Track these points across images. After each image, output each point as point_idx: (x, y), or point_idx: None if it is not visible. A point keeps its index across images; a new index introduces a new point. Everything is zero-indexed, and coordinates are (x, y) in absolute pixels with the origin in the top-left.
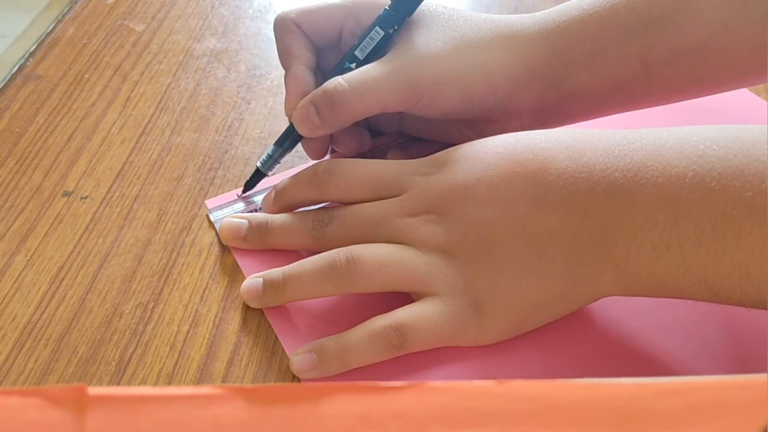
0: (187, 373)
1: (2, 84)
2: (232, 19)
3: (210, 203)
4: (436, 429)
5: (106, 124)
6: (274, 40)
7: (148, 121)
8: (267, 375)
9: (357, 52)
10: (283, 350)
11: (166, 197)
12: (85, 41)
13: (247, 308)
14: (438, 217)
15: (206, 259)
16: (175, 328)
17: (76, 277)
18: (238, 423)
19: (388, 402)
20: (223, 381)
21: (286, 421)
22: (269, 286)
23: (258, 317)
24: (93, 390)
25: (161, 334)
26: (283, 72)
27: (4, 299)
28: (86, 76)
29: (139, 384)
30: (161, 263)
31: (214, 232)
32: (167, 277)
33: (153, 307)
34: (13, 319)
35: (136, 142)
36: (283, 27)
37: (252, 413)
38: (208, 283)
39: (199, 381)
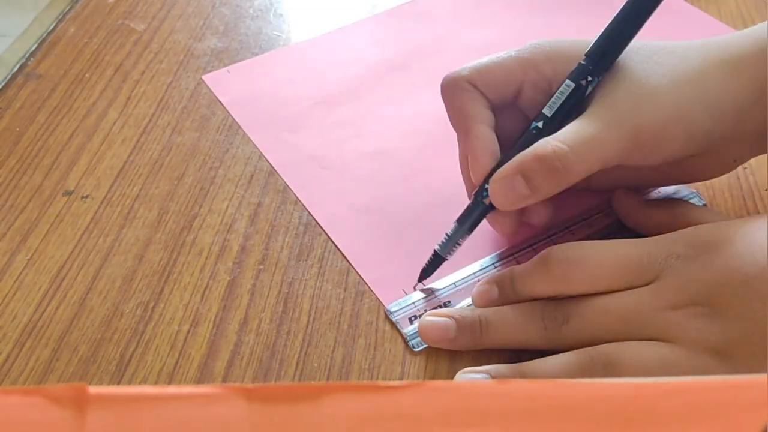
0: (187, 373)
1: (3, 83)
2: (232, 18)
3: (385, 300)
4: (436, 429)
5: (106, 124)
6: (274, 39)
7: (149, 121)
8: (267, 374)
9: (545, 110)
10: (284, 350)
11: (166, 196)
12: (85, 41)
13: (247, 308)
14: (710, 311)
15: (207, 258)
16: (176, 328)
17: (77, 276)
18: (239, 422)
19: (388, 402)
20: (224, 380)
21: (287, 421)
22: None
23: (258, 317)
24: (93, 389)
25: (162, 333)
26: None
27: (4, 299)
28: (87, 75)
29: (139, 383)
30: (162, 262)
31: (214, 232)
32: (168, 276)
33: (153, 307)
34: (14, 319)
35: (137, 142)
36: (456, 86)
37: (252, 413)
38: (208, 282)
39: (199, 380)
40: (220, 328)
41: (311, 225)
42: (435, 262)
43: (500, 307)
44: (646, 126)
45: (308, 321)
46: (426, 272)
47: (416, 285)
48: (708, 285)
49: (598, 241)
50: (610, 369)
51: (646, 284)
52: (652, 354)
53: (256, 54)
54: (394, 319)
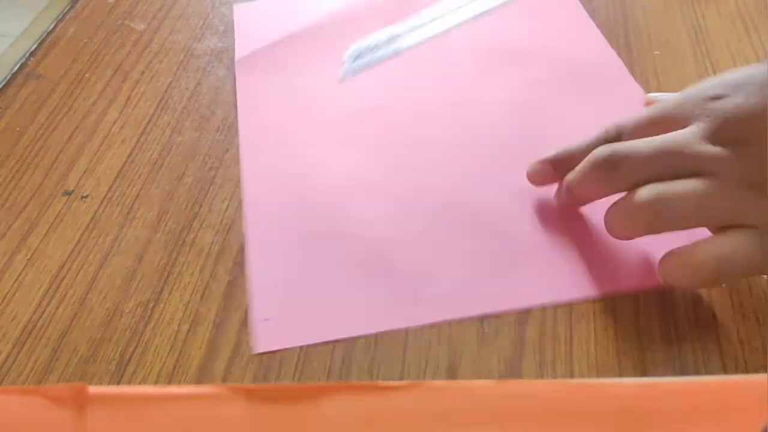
0: (187, 373)
1: (3, 83)
2: (232, 18)
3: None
4: (436, 429)
5: (106, 124)
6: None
7: (149, 121)
8: (267, 375)
9: None
10: (284, 350)
11: (166, 196)
12: (85, 40)
13: (247, 307)
14: (744, 145)
15: (207, 258)
16: (176, 328)
17: (77, 276)
18: (239, 422)
19: (389, 401)
20: (224, 381)
21: (287, 421)
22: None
23: None
24: (93, 389)
25: (161, 333)
26: None
27: (4, 298)
28: (87, 75)
29: (139, 383)
30: (162, 262)
31: (214, 232)
32: (168, 276)
33: (153, 307)
34: (14, 319)
35: (137, 142)
36: None
37: (252, 413)
38: (208, 282)
39: (199, 380)
40: (220, 328)
41: None
42: None
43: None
44: None
45: None
46: None
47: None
48: (742, 120)
49: (635, 141)
50: (659, 206)
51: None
52: (692, 189)
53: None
54: None
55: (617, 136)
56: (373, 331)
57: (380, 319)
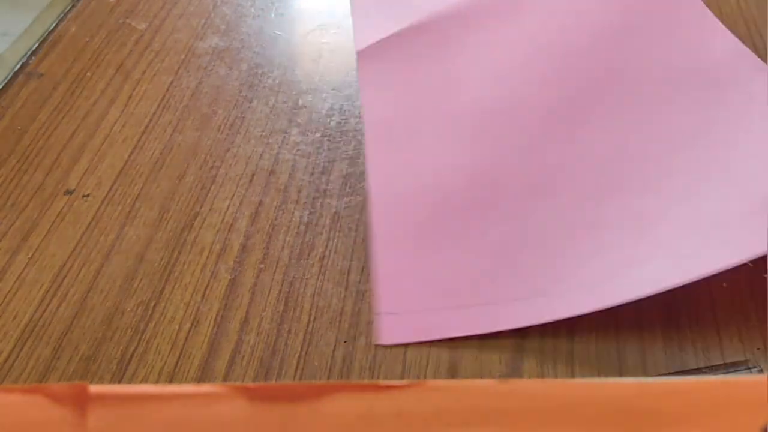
0: (188, 372)
1: (4, 82)
2: (234, 17)
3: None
4: (436, 428)
5: (107, 123)
6: (276, 38)
7: (150, 120)
8: (268, 374)
9: None
10: (284, 349)
11: (167, 196)
12: (87, 39)
13: (248, 307)
14: None
15: (208, 257)
16: (177, 327)
17: (78, 275)
18: (239, 421)
19: (388, 401)
20: (225, 379)
21: (287, 420)
22: None
23: (259, 316)
24: (94, 388)
25: (162, 332)
26: (285, 70)
27: (5, 297)
28: (88, 74)
29: (140, 382)
30: (163, 261)
31: (215, 231)
32: (169, 275)
33: (154, 306)
34: (15, 318)
35: (138, 141)
36: None
37: (253, 412)
38: (209, 281)
39: (200, 379)
40: (221, 327)
41: (312, 224)
42: None
43: None
44: None
45: (309, 320)
46: None
47: None
48: None
49: None
50: None
51: None
52: None
53: (258, 53)
54: None
55: None
56: (498, 329)
57: (507, 316)
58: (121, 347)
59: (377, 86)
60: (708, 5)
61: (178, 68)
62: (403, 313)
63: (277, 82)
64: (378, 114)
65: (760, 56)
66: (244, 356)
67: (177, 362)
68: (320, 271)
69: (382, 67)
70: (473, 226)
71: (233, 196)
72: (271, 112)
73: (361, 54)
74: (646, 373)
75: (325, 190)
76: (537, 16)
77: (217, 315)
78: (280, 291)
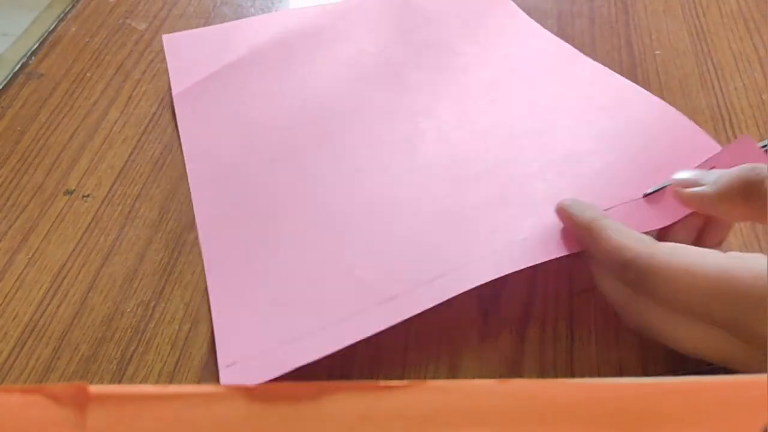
0: (188, 372)
1: (4, 82)
2: (233, 17)
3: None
4: (436, 428)
5: (107, 123)
6: None
7: (150, 120)
8: None
9: None
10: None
11: (167, 196)
12: (87, 40)
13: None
14: None
15: None
16: (177, 327)
17: (78, 275)
18: (239, 421)
19: (389, 401)
20: None
21: (287, 420)
22: None
23: None
24: (94, 388)
25: (162, 332)
26: None
27: (5, 298)
28: (88, 74)
29: (140, 382)
30: (162, 261)
31: None
32: (168, 275)
33: (154, 306)
34: (15, 318)
35: (138, 141)
36: None
37: (253, 412)
38: None
39: (200, 379)
40: None
41: None
42: None
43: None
44: None
45: None
46: None
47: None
48: None
49: None
50: None
51: None
52: None
53: None
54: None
55: None
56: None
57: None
58: (121, 347)
59: (196, 124)
60: (708, 6)
61: None
62: (243, 361)
63: None
64: (198, 151)
65: (760, 56)
66: None
67: (177, 362)
68: None
69: (200, 106)
70: (299, 248)
71: None
72: None
73: (177, 97)
74: (645, 373)
75: None
76: (359, 39)
77: None
78: None
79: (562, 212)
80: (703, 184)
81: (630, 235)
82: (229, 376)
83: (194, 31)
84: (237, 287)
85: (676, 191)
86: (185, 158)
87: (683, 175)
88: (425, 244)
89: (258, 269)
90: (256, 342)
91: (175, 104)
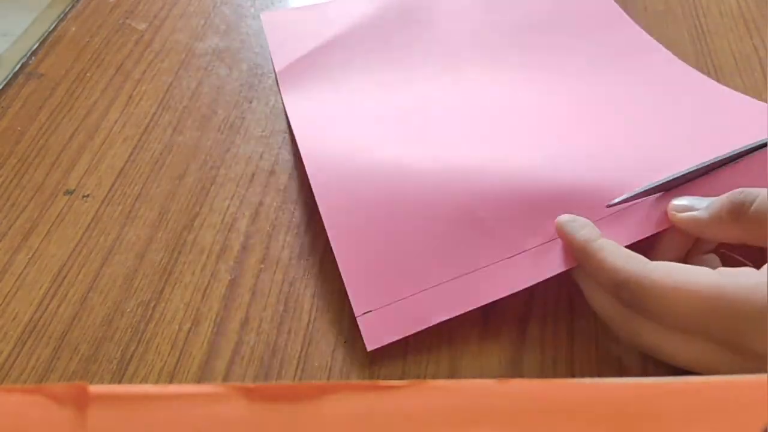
0: (188, 372)
1: (4, 82)
2: (234, 17)
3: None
4: (436, 428)
5: (107, 123)
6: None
7: (150, 120)
8: (268, 374)
9: None
10: (284, 349)
11: (167, 196)
12: (87, 40)
13: (248, 307)
14: None
15: (207, 257)
16: (177, 327)
17: (78, 275)
18: (239, 421)
19: (389, 401)
20: (224, 379)
21: (287, 420)
22: None
23: (259, 316)
24: (94, 388)
25: (162, 332)
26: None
27: (5, 298)
28: (88, 74)
29: (140, 382)
30: (163, 262)
31: (215, 231)
32: (169, 275)
33: (154, 306)
34: (15, 318)
35: (138, 141)
36: None
37: (253, 412)
38: (209, 281)
39: (200, 379)
40: (220, 327)
41: (312, 224)
42: None
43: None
44: None
45: (309, 320)
46: None
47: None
48: None
49: None
50: None
51: None
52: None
53: (258, 53)
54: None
55: None
56: (474, 306)
57: (483, 291)
58: (121, 347)
59: (301, 99)
60: (708, 6)
61: (178, 68)
62: (378, 309)
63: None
64: (305, 121)
65: (760, 56)
66: (244, 356)
67: (177, 362)
68: (320, 271)
69: (303, 83)
70: (423, 201)
71: (233, 196)
72: (271, 112)
73: (281, 73)
74: (645, 373)
75: None
76: (452, 19)
77: (217, 315)
78: (280, 291)
79: (559, 229)
80: (696, 209)
81: (623, 254)
82: (367, 324)
83: (290, 9)
84: (360, 238)
85: (672, 215)
86: (293, 128)
87: (679, 201)
88: (557, 203)
89: (380, 220)
90: (389, 291)
91: (279, 81)
